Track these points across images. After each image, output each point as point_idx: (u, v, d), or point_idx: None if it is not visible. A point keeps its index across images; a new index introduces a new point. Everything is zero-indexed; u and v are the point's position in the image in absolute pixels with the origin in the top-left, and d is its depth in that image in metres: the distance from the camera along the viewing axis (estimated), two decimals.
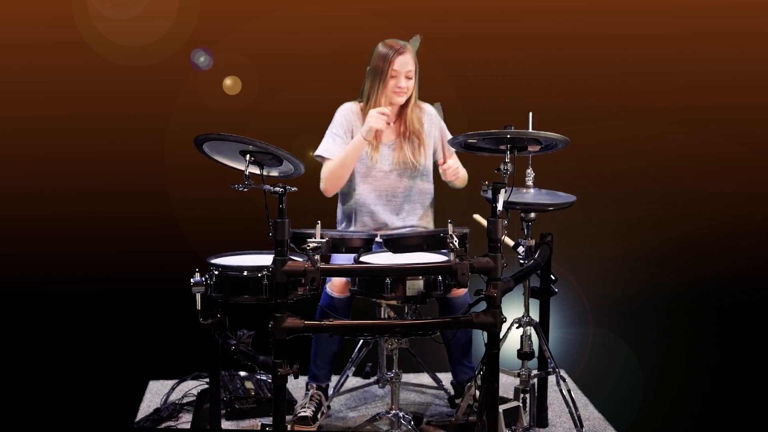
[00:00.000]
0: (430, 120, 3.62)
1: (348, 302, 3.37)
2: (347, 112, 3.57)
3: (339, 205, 3.69)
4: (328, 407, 3.56)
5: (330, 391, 3.60)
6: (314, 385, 3.51)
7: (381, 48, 3.48)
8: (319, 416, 3.43)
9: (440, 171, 3.55)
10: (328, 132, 3.56)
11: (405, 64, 3.45)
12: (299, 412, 3.40)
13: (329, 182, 3.52)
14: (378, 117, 3.38)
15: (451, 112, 3.71)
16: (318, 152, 3.54)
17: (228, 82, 4.60)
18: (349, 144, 3.48)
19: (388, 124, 3.51)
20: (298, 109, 4.53)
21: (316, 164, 3.53)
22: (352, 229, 3.61)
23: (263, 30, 4.57)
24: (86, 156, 4.58)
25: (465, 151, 3.15)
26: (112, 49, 4.50)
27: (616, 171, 4.77)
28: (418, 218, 3.63)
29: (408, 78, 3.47)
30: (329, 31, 4.57)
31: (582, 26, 4.71)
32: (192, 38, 4.53)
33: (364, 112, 3.48)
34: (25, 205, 4.57)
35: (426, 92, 3.63)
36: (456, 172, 3.50)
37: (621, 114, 4.79)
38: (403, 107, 3.55)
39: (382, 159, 3.55)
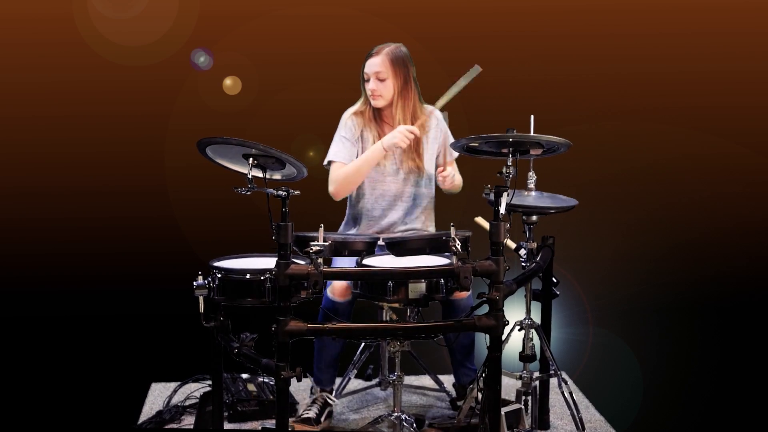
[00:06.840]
0: (437, 125, 3.59)
1: (350, 305, 3.36)
2: (353, 116, 3.53)
3: (348, 208, 3.65)
4: (330, 412, 3.54)
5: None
6: (318, 389, 3.51)
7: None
8: (322, 419, 3.43)
9: (438, 179, 3.50)
10: (336, 136, 3.52)
11: (373, 65, 3.41)
12: (303, 413, 3.41)
13: (342, 186, 3.44)
14: (404, 136, 3.32)
15: (451, 112, 3.70)
16: (329, 158, 3.48)
17: (228, 82, 4.59)
18: (367, 151, 3.43)
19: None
20: (298, 109, 4.53)
21: (319, 167, 3.51)
22: (354, 231, 3.60)
23: (263, 30, 4.56)
24: (86, 156, 4.57)
25: (467, 155, 3.14)
26: (112, 49, 4.49)
27: (616, 171, 4.77)
28: (421, 222, 3.62)
29: (380, 80, 3.42)
30: (329, 31, 4.56)
31: (582, 26, 4.70)
32: (192, 38, 4.53)
33: (362, 115, 3.49)
34: (25, 205, 4.56)
35: (426, 92, 3.61)
36: (453, 180, 3.47)
37: (621, 114, 4.79)
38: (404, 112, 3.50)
39: (389, 164, 3.52)
